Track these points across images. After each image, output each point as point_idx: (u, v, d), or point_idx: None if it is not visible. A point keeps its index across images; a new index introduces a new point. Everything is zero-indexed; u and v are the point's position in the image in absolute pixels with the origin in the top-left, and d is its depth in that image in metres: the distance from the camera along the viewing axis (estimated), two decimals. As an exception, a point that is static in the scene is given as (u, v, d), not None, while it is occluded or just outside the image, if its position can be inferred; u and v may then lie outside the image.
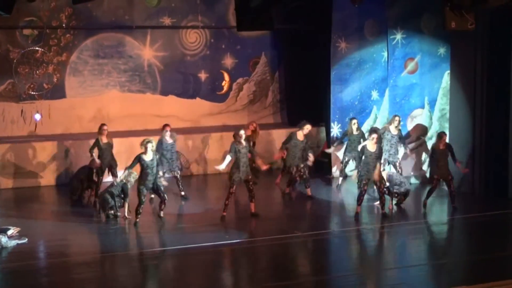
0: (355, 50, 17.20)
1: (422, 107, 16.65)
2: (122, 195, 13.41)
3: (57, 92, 18.33)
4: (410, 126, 16.61)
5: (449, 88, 15.97)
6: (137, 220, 12.96)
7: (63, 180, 16.60)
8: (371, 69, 17.22)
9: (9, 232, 11.88)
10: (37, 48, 17.99)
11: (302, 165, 14.92)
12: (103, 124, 15.06)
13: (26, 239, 11.93)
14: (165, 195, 13.23)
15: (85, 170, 15.20)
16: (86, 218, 13.77)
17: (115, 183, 13.58)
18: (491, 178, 15.02)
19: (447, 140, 14.31)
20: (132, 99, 18.97)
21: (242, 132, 13.47)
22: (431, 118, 16.64)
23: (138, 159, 13.01)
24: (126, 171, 13.28)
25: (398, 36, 16.48)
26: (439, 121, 16.52)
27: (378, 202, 13.83)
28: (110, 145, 14.92)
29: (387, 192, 14.00)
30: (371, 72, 17.23)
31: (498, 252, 11.27)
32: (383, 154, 14.28)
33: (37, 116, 18.01)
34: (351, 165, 16.31)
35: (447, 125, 16.08)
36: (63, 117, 18.26)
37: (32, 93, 18.04)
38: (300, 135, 15.04)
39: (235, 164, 13.42)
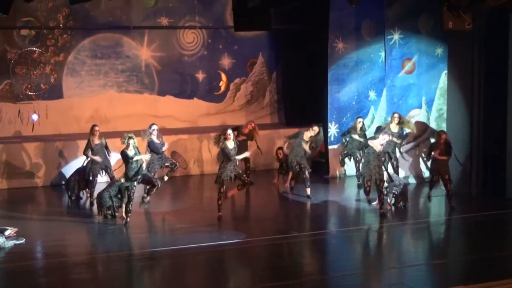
0: (353, 50, 17.21)
1: (420, 107, 16.66)
2: (120, 195, 13.39)
3: (55, 92, 18.31)
4: (407, 126, 16.62)
5: (447, 88, 15.97)
6: (128, 219, 12.88)
7: (60, 180, 16.59)
8: (369, 69, 17.23)
9: (7, 233, 11.86)
10: (34, 49, 17.97)
11: (302, 164, 14.86)
12: (94, 125, 15.02)
13: (24, 240, 11.91)
14: (158, 181, 13.18)
15: (82, 170, 15.20)
16: (84, 218, 13.76)
17: (115, 183, 13.57)
18: (489, 178, 15.02)
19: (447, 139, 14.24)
20: (129, 99, 18.96)
21: (229, 131, 13.34)
22: (428, 118, 16.65)
23: (123, 153, 12.92)
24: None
25: (396, 36, 16.49)
26: (437, 121, 16.53)
27: (376, 202, 13.84)
28: (102, 145, 14.87)
29: (386, 192, 14.04)
30: (368, 72, 17.24)
31: (496, 252, 11.27)
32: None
33: (34, 117, 18.00)
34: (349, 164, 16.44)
35: (444, 125, 16.09)
36: (60, 118, 18.24)
37: (30, 93, 18.02)
38: (307, 135, 14.99)
39: (223, 163, 13.38)
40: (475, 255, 11.24)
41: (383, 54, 16.87)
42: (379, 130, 14.95)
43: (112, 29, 18.61)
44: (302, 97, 18.80)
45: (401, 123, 15.44)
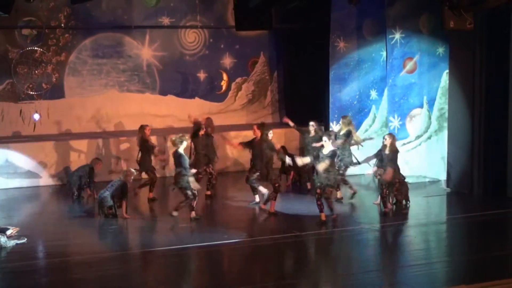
0: (354, 49, 17.23)
1: (421, 106, 16.65)
2: (121, 195, 13.39)
3: (56, 92, 18.35)
4: (409, 126, 16.61)
5: (448, 87, 15.96)
6: (195, 214, 13.09)
7: (62, 180, 16.61)
8: (370, 69, 17.25)
9: (8, 232, 11.87)
10: (36, 48, 18.00)
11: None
12: (145, 125, 14.83)
13: (25, 239, 11.92)
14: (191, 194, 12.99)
15: (85, 168, 15.22)
16: (85, 217, 13.77)
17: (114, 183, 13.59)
18: (490, 177, 15.02)
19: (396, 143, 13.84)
20: (131, 99, 19.00)
21: (270, 132, 13.96)
22: (430, 118, 16.64)
23: (177, 154, 12.95)
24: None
25: (397, 36, 16.48)
26: (438, 121, 16.53)
27: (377, 201, 13.82)
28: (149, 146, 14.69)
29: (387, 192, 14.03)
30: (370, 72, 17.26)
31: (497, 251, 11.27)
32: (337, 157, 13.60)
33: (36, 116, 18.03)
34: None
35: (445, 124, 16.10)
36: (62, 117, 18.28)
37: (31, 93, 18.05)
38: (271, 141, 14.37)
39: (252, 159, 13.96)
40: (477, 254, 11.24)
41: (384, 53, 16.88)
42: (325, 134, 14.03)
43: (113, 28, 18.66)
44: (304, 96, 18.81)
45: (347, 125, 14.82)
